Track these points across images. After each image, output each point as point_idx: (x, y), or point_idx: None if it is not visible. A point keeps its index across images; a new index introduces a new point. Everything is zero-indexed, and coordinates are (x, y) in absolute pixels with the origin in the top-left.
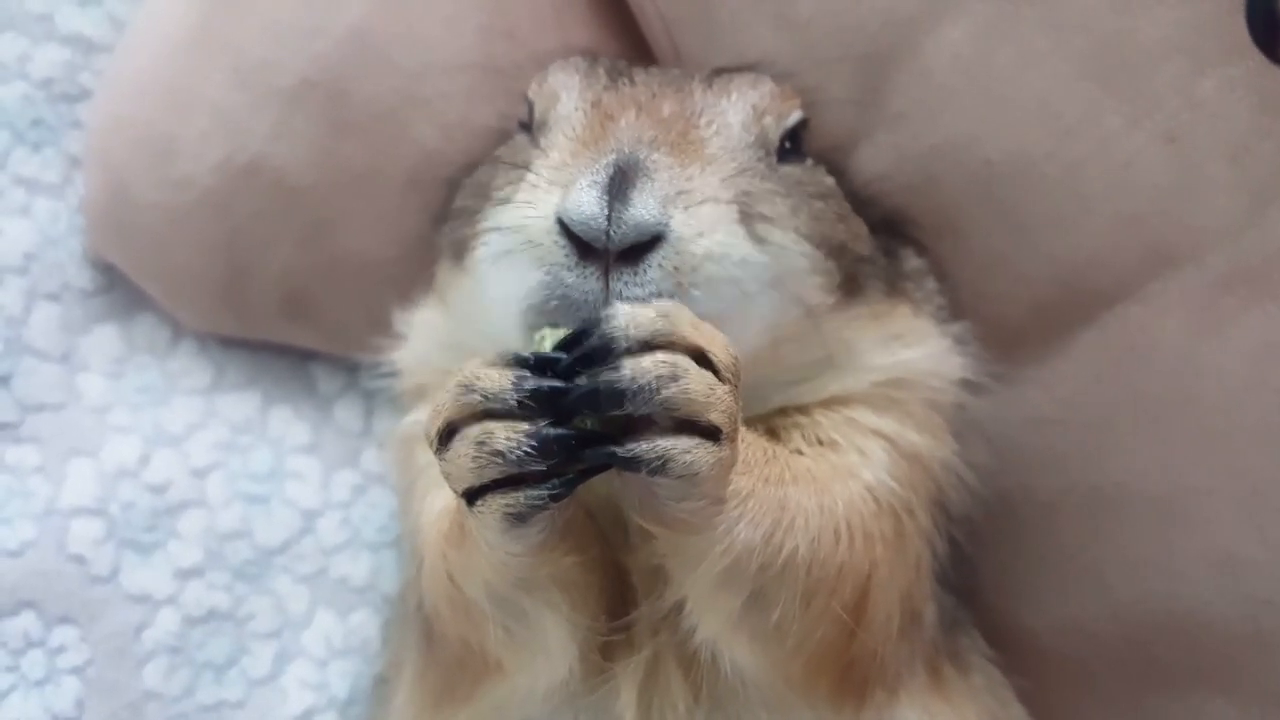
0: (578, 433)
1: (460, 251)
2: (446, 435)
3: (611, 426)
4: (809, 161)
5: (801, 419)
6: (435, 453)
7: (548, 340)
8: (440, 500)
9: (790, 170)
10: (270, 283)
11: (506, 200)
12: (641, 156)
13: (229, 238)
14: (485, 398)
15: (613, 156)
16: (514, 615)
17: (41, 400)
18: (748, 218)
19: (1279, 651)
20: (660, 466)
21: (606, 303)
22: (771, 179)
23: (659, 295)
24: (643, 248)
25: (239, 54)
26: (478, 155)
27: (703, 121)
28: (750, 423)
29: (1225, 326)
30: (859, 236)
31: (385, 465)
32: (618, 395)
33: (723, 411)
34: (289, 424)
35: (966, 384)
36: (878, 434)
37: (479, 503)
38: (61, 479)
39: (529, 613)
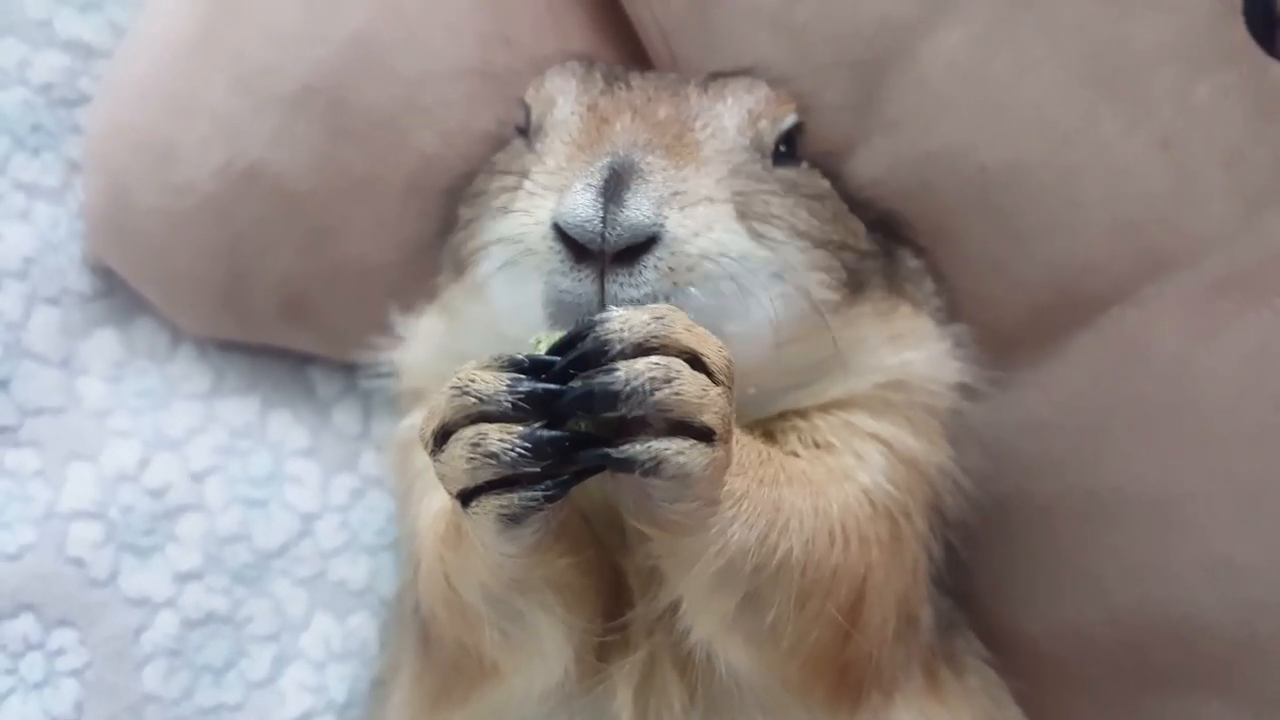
0: (572, 435)
1: (463, 265)
2: (442, 437)
3: (605, 429)
4: (804, 165)
5: (799, 422)
6: (430, 454)
7: (543, 343)
8: (437, 503)
9: (785, 173)
10: (270, 288)
11: (505, 209)
12: (636, 159)
13: (229, 243)
14: (480, 400)
15: (607, 159)
16: (509, 617)
17: (41, 404)
18: (745, 215)
19: (1274, 655)
20: (654, 467)
21: (603, 305)
22: (767, 181)
23: (655, 297)
24: (638, 249)
25: (239, 60)
26: (477, 161)
27: (698, 125)
28: (747, 426)
29: (1220, 331)
30: (858, 235)
31: (383, 469)
32: (611, 397)
33: (716, 413)
34: (288, 428)
35: (963, 388)
36: (874, 438)
37: (474, 504)
38: (61, 483)
39: (524, 614)
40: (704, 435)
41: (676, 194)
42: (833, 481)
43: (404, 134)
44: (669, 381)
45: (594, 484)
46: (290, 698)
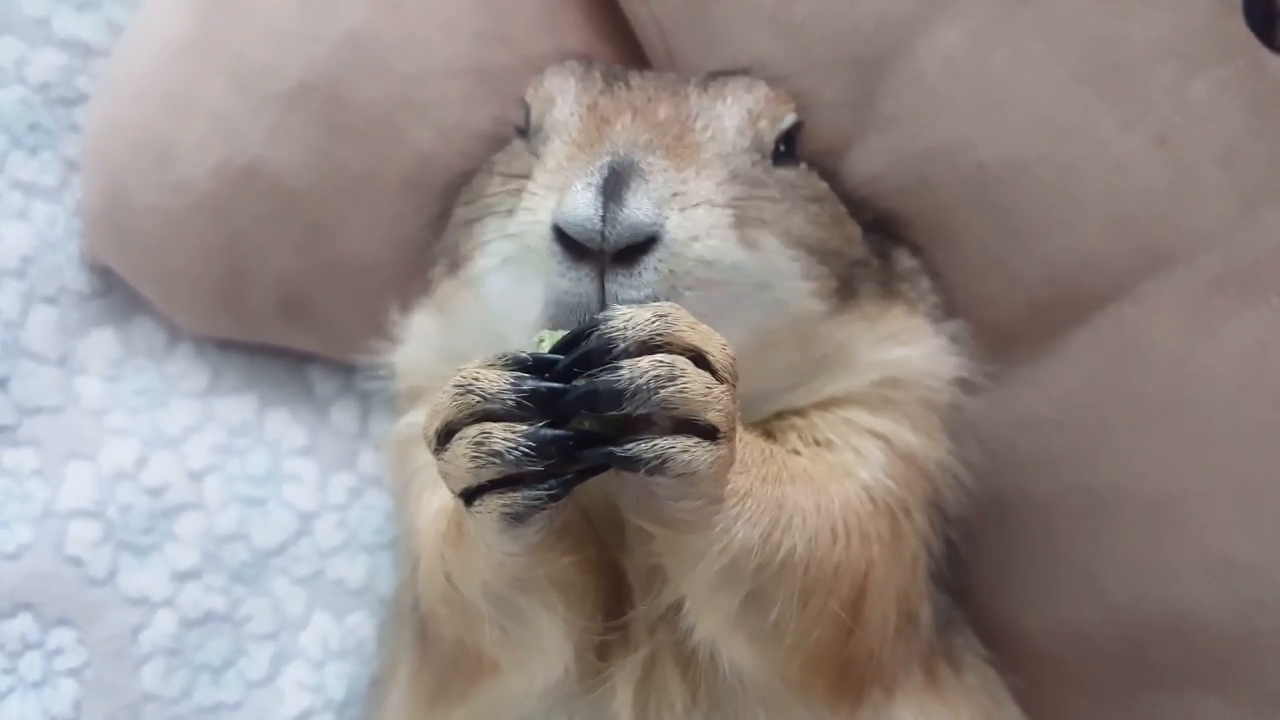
0: (575, 433)
1: (458, 262)
2: (445, 435)
3: (609, 427)
4: (803, 165)
5: (798, 420)
6: (433, 453)
7: (546, 342)
8: (437, 500)
9: (785, 174)
10: (268, 286)
11: (507, 210)
12: (637, 159)
13: (226, 241)
14: (483, 398)
15: (608, 159)
16: (510, 615)
17: (39, 403)
18: (741, 222)
19: (1272, 651)
20: (658, 466)
21: (602, 304)
22: (766, 182)
23: (654, 297)
24: (638, 249)
25: (237, 58)
26: (473, 159)
27: (698, 125)
28: (748, 424)
29: (1218, 327)
30: (853, 240)
31: (381, 467)
32: (615, 396)
33: (720, 411)
34: (286, 426)
35: (962, 383)
36: (874, 434)
37: (477, 503)
38: (59, 481)
39: (525, 612)
40: (708, 433)
41: (676, 195)
42: (834, 479)
43: (401, 131)
44: (673, 380)
45: (595, 483)
46: (289, 696)
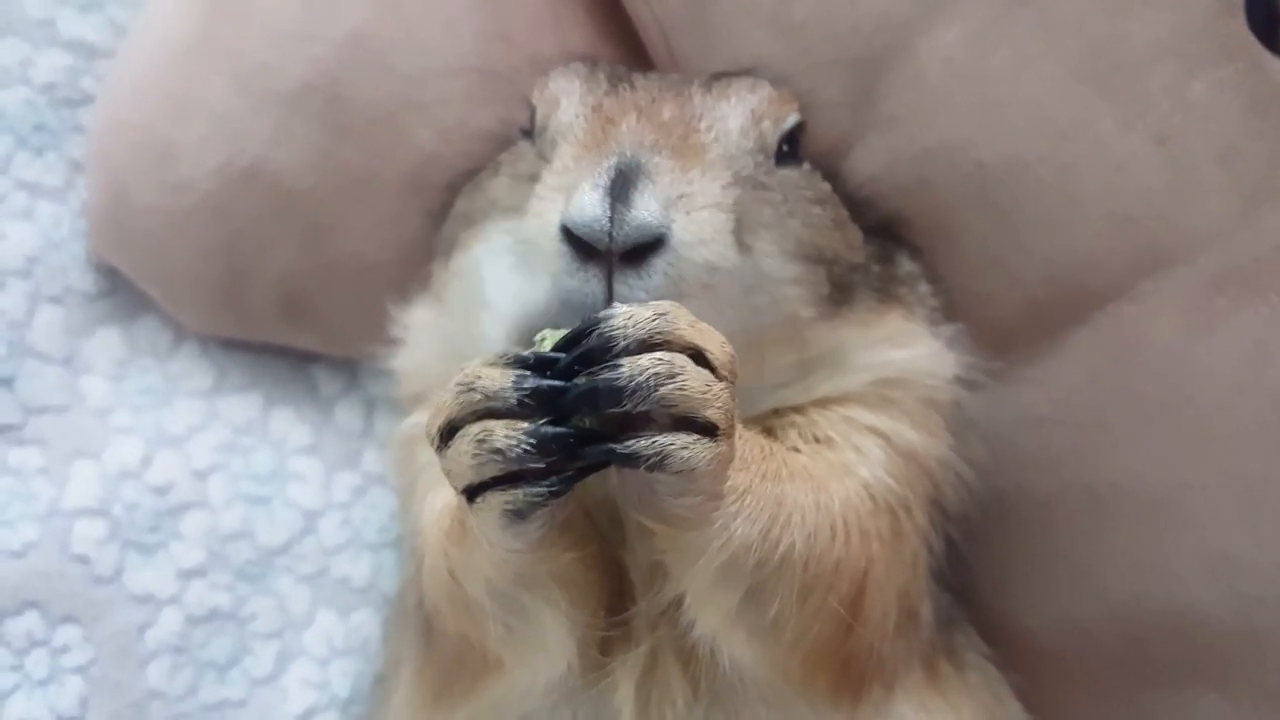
0: (576, 431)
1: (455, 253)
2: (447, 433)
3: (610, 424)
4: (806, 165)
5: (798, 418)
6: (436, 450)
7: (548, 340)
8: (441, 499)
9: (788, 174)
10: (270, 285)
11: (517, 211)
12: (643, 160)
13: (229, 241)
14: (486, 396)
15: (614, 160)
16: (513, 611)
17: (44, 402)
18: (741, 225)
19: (1272, 648)
20: (658, 462)
21: (609, 304)
22: (769, 184)
23: (659, 297)
24: (645, 250)
25: (239, 59)
26: (475, 158)
27: (702, 126)
28: (746, 422)
29: (1217, 326)
30: (853, 244)
31: (386, 466)
32: (616, 393)
33: (719, 408)
34: (290, 425)
35: (962, 381)
36: (874, 431)
37: (479, 500)
38: (64, 480)
39: (528, 609)
40: (708, 430)
41: (683, 196)
42: (833, 476)
43: (403, 131)
44: (673, 377)
45: (597, 480)
46: (293, 694)
